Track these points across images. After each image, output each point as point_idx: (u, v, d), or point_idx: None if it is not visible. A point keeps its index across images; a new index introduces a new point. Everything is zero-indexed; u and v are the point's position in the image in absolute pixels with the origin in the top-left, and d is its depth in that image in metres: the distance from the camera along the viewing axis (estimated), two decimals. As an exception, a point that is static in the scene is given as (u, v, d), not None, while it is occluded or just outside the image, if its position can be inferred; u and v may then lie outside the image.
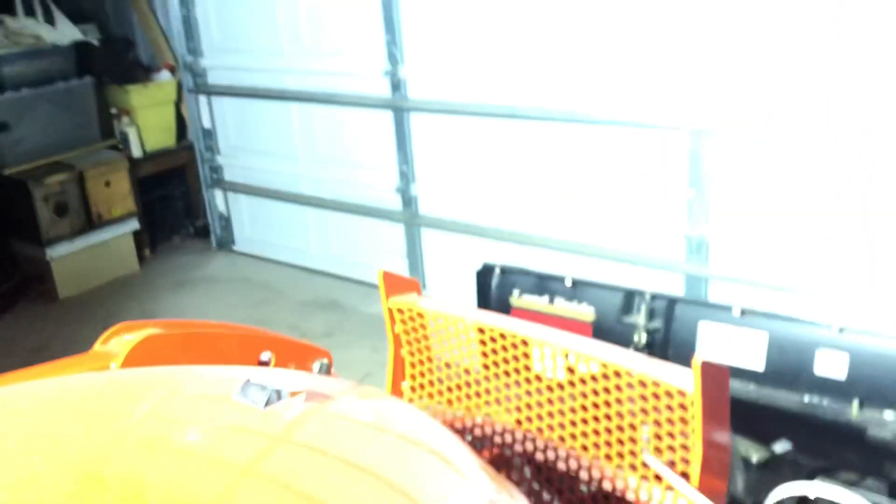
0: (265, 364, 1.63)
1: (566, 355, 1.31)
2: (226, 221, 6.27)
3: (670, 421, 1.20)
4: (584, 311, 2.88)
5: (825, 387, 2.49)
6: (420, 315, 1.51)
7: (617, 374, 1.26)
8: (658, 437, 1.23)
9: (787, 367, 2.59)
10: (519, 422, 1.43)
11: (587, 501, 1.36)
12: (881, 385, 2.42)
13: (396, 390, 1.59)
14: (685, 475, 1.21)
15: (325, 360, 1.71)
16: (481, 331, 1.42)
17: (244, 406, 0.94)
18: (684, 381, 1.16)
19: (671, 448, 1.22)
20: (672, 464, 1.22)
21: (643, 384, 1.22)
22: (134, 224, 5.95)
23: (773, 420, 2.68)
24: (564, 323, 2.97)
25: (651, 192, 3.84)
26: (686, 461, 1.20)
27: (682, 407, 1.17)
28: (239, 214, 6.20)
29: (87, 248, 5.66)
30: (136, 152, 6.10)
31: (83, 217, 5.63)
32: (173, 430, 0.91)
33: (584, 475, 1.35)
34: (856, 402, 2.43)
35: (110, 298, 5.55)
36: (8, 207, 5.47)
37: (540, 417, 1.39)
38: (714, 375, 1.15)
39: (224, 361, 1.61)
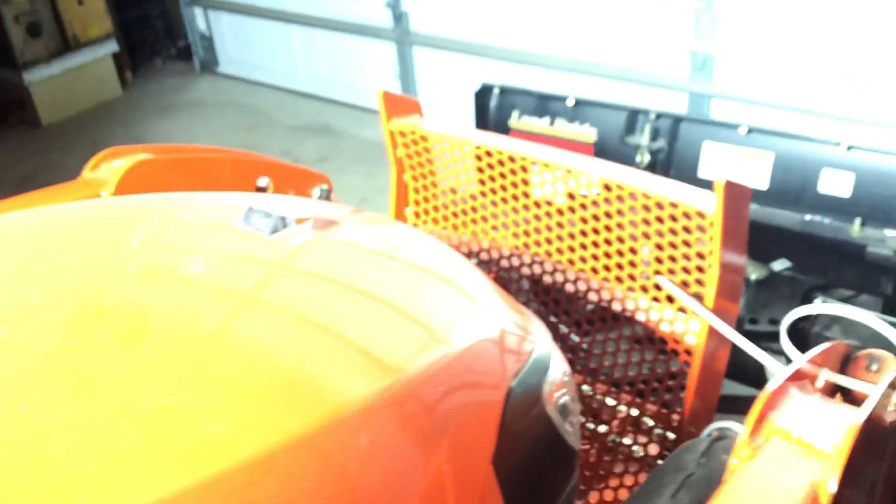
0: (263, 190, 1.58)
1: (579, 178, 1.25)
2: (208, 42, 5.99)
3: (686, 243, 1.17)
4: (586, 133, 2.80)
5: (828, 205, 2.47)
6: (423, 138, 1.43)
7: (632, 195, 1.21)
8: (672, 258, 1.20)
9: (791, 186, 2.55)
10: (527, 245, 1.40)
11: (595, 322, 1.36)
12: (885, 204, 2.39)
13: (400, 216, 1.54)
14: (698, 297, 1.19)
15: (325, 186, 1.66)
16: (489, 154, 1.35)
17: (248, 234, 0.89)
18: (705, 201, 1.11)
19: (686, 270, 1.19)
20: (685, 285, 1.20)
21: (660, 206, 1.18)
22: (112, 45, 5.68)
23: (773, 239, 2.67)
24: (565, 144, 2.90)
25: (656, 4, 3.63)
26: (700, 283, 1.18)
27: (700, 228, 1.13)
28: (221, 34, 5.91)
29: (66, 72, 5.43)
30: (107, -33, 5.71)
31: (58, 38, 5.36)
32: (175, 260, 0.86)
33: (591, 297, 1.33)
34: (858, 220, 2.42)
35: (94, 124, 5.41)
36: (-24, 29, 5.19)
37: (549, 241, 1.36)
38: (736, 196, 1.10)
39: (219, 188, 1.56)
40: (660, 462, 1.30)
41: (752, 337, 1.30)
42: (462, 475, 0.75)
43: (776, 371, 0.95)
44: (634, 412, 1.36)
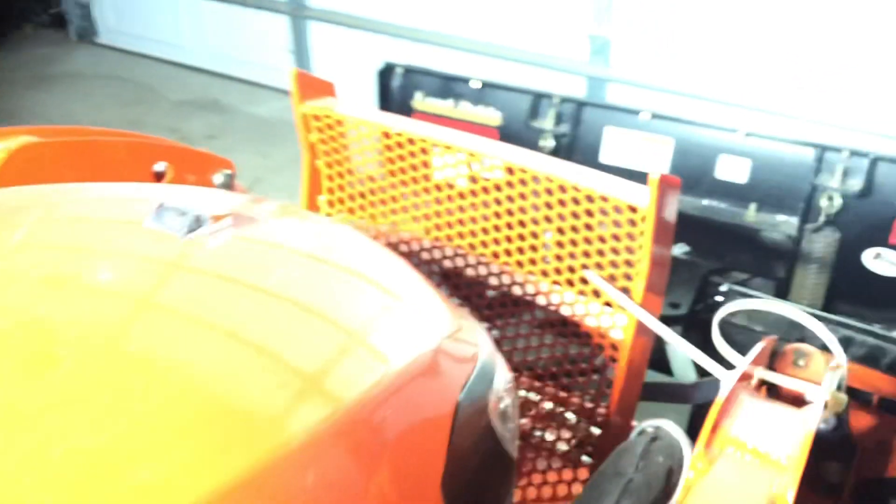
0: (160, 176, 1.46)
1: (508, 169, 1.20)
2: (85, 9, 5.61)
3: (616, 237, 1.14)
4: (491, 116, 2.77)
5: (725, 190, 2.54)
6: (338, 122, 1.35)
7: (561, 188, 1.17)
8: (600, 252, 1.17)
9: (690, 172, 2.60)
10: (449, 237, 1.34)
11: (515, 314, 1.33)
12: (779, 189, 2.47)
13: (312, 204, 1.45)
14: (625, 290, 1.17)
15: (229, 172, 1.55)
16: (411, 141, 1.28)
17: (160, 234, 0.79)
18: (637, 195, 1.09)
19: (613, 263, 1.17)
20: (612, 279, 1.18)
21: (589, 198, 1.15)
22: (-25, 10, 5.23)
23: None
24: (470, 127, 2.86)
25: (556, -12, 3.64)
26: (628, 276, 1.16)
27: (631, 222, 1.11)
28: (100, 1, 5.54)
29: (-78, 38, 4.97)
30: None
31: (-89, 0, 4.89)
32: (77, 268, 0.74)
33: (515, 291, 1.29)
34: (753, 206, 2.49)
35: (-44, 96, 4.97)
36: None
37: (472, 234, 1.31)
38: (668, 190, 1.08)
39: (114, 175, 1.43)
40: (584, 458, 1.29)
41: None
42: (411, 504, 0.69)
43: (719, 375, 0.94)
44: (555, 407, 1.34)
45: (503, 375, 0.90)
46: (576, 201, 1.16)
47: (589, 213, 1.15)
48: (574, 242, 1.19)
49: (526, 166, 1.17)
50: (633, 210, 1.09)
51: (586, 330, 1.24)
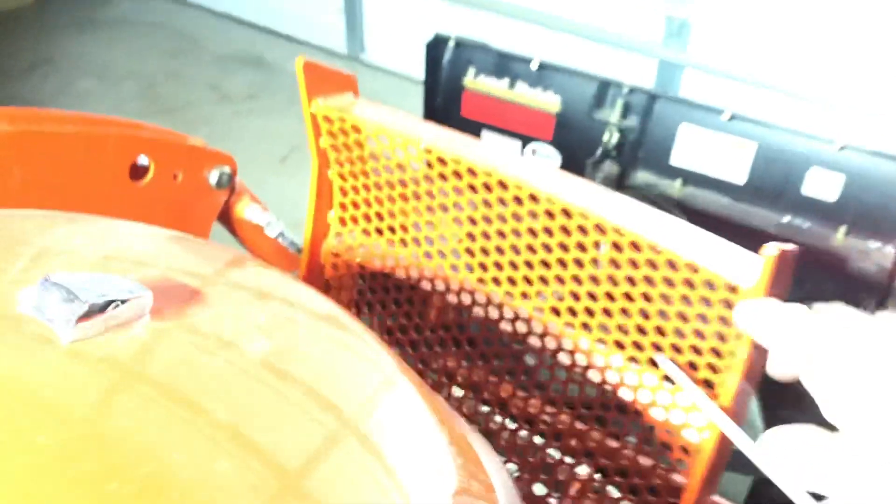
0: (142, 171, 1.21)
1: (564, 211, 0.92)
2: (133, -48, 5.38)
3: (703, 317, 0.86)
4: (550, 101, 2.47)
5: (811, 208, 2.22)
6: (356, 128, 1.07)
7: (634, 246, 0.88)
8: (679, 333, 0.89)
9: (772, 183, 2.29)
10: (482, 280, 1.07)
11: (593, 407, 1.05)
12: (874, 212, 2.14)
13: (320, 221, 1.19)
14: (708, 384, 0.89)
15: (227, 169, 1.30)
16: (442, 161, 1.00)
17: (34, 328, 0.53)
18: (739, 272, 0.80)
19: (696, 349, 0.88)
20: (692, 367, 0.90)
21: (672, 265, 0.86)
22: (22, -54, 5.04)
23: (745, 239, 2.38)
24: (525, 112, 2.57)
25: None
26: (713, 368, 0.87)
27: (726, 303, 0.82)
28: (149, -56, 5.31)
29: (-35, -27, 4.80)
30: None
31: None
32: None
33: (590, 373, 1.02)
34: (842, 229, 2.16)
35: (-2, 35, 4.81)
36: None
37: (525, 296, 1.03)
38: (785, 269, 0.79)
39: (85, 171, 1.19)
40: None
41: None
42: None
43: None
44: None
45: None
46: (653, 265, 0.87)
47: (669, 283, 0.86)
48: (645, 315, 0.90)
49: (589, 212, 0.89)
50: (733, 290, 0.80)
51: (650, 421, 0.96)
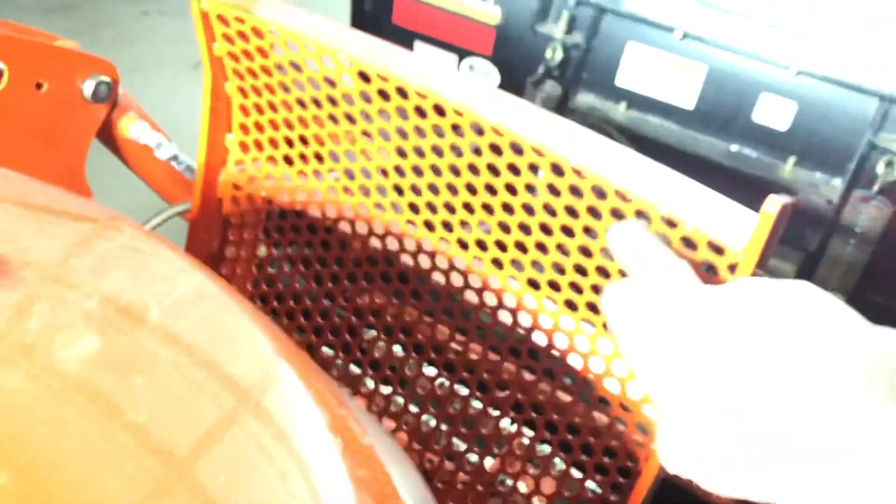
0: (-1, 78, 0.99)
1: (520, 148, 0.75)
2: None
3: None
4: (489, 12, 2.26)
5: (760, 137, 2.13)
6: (257, 32, 0.87)
7: (600, 193, 0.72)
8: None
9: (721, 109, 2.18)
10: (411, 222, 0.90)
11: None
12: (826, 144, 2.06)
13: (216, 146, 0.99)
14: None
15: (106, 79, 1.08)
16: (366, 78, 0.81)
17: None
18: (726, 231, 0.65)
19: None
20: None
21: (642, 215, 0.71)
22: None
23: (692, 167, 2.26)
24: (461, 23, 2.36)
25: None
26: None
27: (711, 267, 0.68)
28: None
29: None
30: None
31: None
32: None
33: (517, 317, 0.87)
34: (791, 159, 2.08)
35: None
36: None
37: (447, 226, 0.87)
38: (780, 229, 0.64)
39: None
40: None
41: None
42: None
43: None
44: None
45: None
46: (618, 216, 0.72)
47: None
48: (604, 273, 0.75)
49: (547, 149, 0.72)
50: (718, 250, 0.65)
51: (604, 395, 0.83)
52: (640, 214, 0.70)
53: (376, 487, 0.46)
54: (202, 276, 0.52)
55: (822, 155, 2.03)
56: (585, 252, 0.76)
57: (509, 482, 0.97)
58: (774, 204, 0.60)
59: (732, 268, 0.64)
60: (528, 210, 0.79)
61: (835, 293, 1.25)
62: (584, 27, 2.20)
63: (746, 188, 2.08)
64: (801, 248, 2.12)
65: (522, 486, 0.98)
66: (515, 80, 2.29)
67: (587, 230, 0.75)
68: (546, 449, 0.96)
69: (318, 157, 0.93)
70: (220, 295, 0.53)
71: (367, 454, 0.48)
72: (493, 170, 0.79)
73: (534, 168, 0.76)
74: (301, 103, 0.91)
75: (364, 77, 0.81)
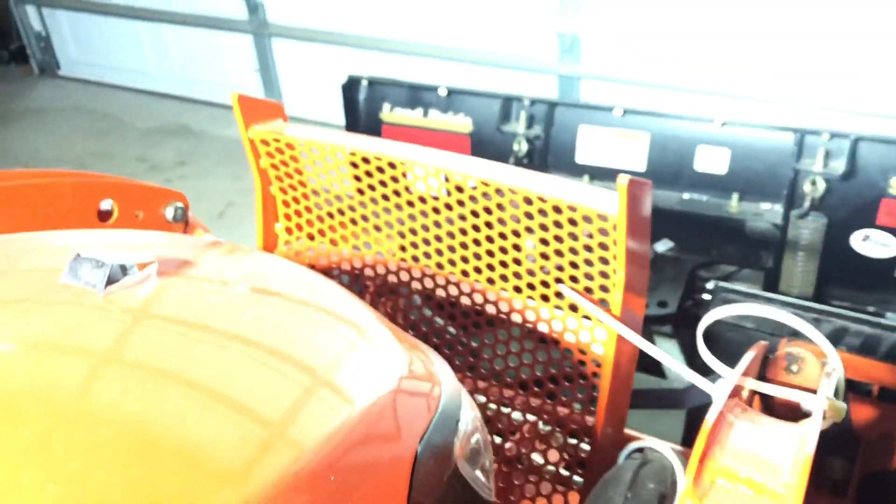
0: (107, 214, 1.38)
1: (482, 182, 1.13)
2: (46, 42, 5.51)
3: (588, 247, 1.07)
4: (461, 123, 2.70)
5: (706, 182, 2.48)
6: (289, 146, 1.27)
7: (527, 200, 1.10)
8: (573, 264, 1.10)
9: (668, 166, 2.55)
10: (415, 258, 1.27)
11: (493, 329, 1.25)
12: (760, 177, 2.42)
13: (269, 233, 1.37)
14: (603, 302, 1.10)
15: (180, 205, 1.47)
16: (365, 160, 1.20)
17: (76, 291, 0.71)
18: (606, 202, 1.02)
19: (588, 276, 1.10)
20: (588, 291, 1.11)
21: (557, 209, 1.07)
22: (-67, 51, 5.12)
23: (654, 220, 2.65)
24: (441, 136, 2.79)
25: (520, -13, 3.57)
26: (604, 288, 1.09)
27: (602, 231, 1.04)
28: (60, 33, 5.44)
29: None
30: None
31: None
32: None
33: (491, 310, 1.22)
34: (735, 196, 2.43)
35: (-81, 139, 4.86)
36: None
37: (439, 252, 1.23)
38: (639, 193, 1.01)
39: (58, 216, 1.35)
40: (576, 479, 1.21)
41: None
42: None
43: (703, 387, 0.86)
44: (540, 423, 1.26)
45: (469, 414, 0.82)
46: (543, 213, 1.09)
47: (558, 225, 1.08)
48: (546, 256, 1.11)
49: (490, 179, 1.10)
50: (604, 218, 1.01)
51: (566, 346, 1.17)
52: (557, 209, 1.07)
53: (420, 362, 0.79)
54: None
55: (760, 187, 2.38)
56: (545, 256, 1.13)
57: (525, 455, 1.28)
58: (625, 178, 0.97)
59: (614, 227, 1.01)
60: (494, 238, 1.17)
61: (799, 297, 1.54)
62: (541, 120, 2.62)
63: (701, 227, 2.44)
64: (761, 267, 2.45)
65: (536, 458, 1.30)
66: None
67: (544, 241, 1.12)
68: (546, 428, 1.28)
69: (343, 226, 1.31)
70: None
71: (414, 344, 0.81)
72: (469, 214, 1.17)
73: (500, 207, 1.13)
74: (324, 191, 1.29)
75: (365, 160, 1.20)
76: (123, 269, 0.73)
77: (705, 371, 1.01)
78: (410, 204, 1.23)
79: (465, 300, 1.25)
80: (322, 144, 1.24)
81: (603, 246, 1.06)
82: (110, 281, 0.72)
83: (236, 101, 1.23)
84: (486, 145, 2.71)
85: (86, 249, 0.73)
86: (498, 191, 1.12)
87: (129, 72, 5.24)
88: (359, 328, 0.81)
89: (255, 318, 0.76)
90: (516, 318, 1.20)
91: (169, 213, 1.46)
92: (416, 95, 2.80)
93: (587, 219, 1.04)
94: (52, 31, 5.45)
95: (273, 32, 4.51)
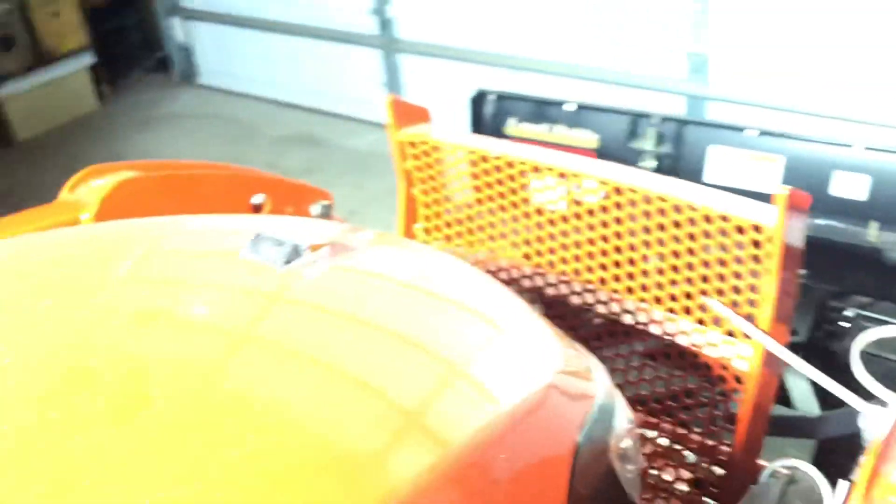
0: (258, 208, 1.46)
1: (615, 189, 1.13)
2: (187, 53, 5.85)
3: (738, 259, 1.05)
4: (588, 138, 2.69)
5: (842, 209, 2.38)
6: (435, 149, 1.31)
7: (676, 208, 1.09)
8: (721, 277, 1.08)
9: (803, 190, 2.45)
10: (552, 263, 1.28)
11: (604, 336, 1.24)
12: (903, 207, 2.29)
13: (408, 233, 1.42)
14: (749, 318, 1.08)
15: (327, 203, 1.54)
16: (509, 165, 1.23)
17: (257, 266, 0.76)
18: (763, 214, 1.00)
19: (736, 289, 1.08)
20: (734, 305, 1.09)
21: (708, 219, 1.06)
22: (88, 58, 5.52)
23: (785, 245, 2.56)
24: (566, 150, 2.78)
25: (651, 5, 3.54)
26: (752, 303, 1.07)
27: (755, 243, 1.02)
28: (201, 45, 5.77)
29: (41, 86, 5.26)
30: (82, -22, 5.56)
31: (32, 51, 5.19)
32: (172, 304, 0.72)
33: (633, 320, 1.21)
34: (874, 224, 2.32)
35: (72, 140, 5.24)
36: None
37: (577, 258, 1.24)
38: (797, 206, 0.98)
39: (212, 207, 1.44)
40: (706, 500, 1.19)
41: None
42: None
43: (863, 409, 0.83)
44: (672, 444, 1.24)
45: (624, 413, 0.83)
46: (692, 222, 1.08)
47: (707, 235, 1.07)
48: (690, 267, 1.10)
49: (634, 185, 1.10)
50: (758, 230, 1.00)
51: (706, 361, 1.15)
52: (707, 219, 1.06)
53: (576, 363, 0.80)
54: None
55: (904, 217, 2.27)
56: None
57: (655, 473, 1.27)
58: (783, 190, 0.95)
59: (769, 239, 0.99)
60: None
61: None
62: (670, 138, 2.59)
63: (835, 255, 2.34)
64: (900, 301, 2.32)
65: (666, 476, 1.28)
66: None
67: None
68: (678, 446, 1.27)
69: (481, 229, 1.34)
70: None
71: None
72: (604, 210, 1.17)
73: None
74: (464, 193, 1.33)
75: (509, 165, 1.22)
76: (297, 250, 0.77)
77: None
78: (538, 213, 1.25)
79: (600, 308, 1.25)
80: (465, 147, 1.27)
81: (755, 259, 1.04)
82: (288, 260, 0.76)
83: (391, 103, 1.28)
84: (613, 161, 2.69)
85: (266, 230, 0.78)
86: (630, 201, 1.11)
87: (262, 82, 5.49)
88: (517, 320, 0.83)
89: (417, 308, 0.79)
90: (655, 329, 1.19)
91: (315, 209, 1.52)
92: (543, 110, 2.81)
93: (739, 229, 1.03)
94: (194, 43, 5.78)
95: (402, 48, 4.63)
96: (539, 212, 1.25)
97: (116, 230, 0.93)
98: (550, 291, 1.29)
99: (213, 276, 0.77)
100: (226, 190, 1.42)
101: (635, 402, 1.27)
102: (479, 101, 2.91)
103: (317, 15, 4.90)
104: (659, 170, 2.59)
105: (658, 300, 1.18)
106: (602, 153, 2.68)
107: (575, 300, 1.27)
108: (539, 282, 1.30)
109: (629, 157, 2.63)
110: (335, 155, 4.74)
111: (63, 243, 0.87)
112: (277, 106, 5.42)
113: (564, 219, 1.23)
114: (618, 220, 1.16)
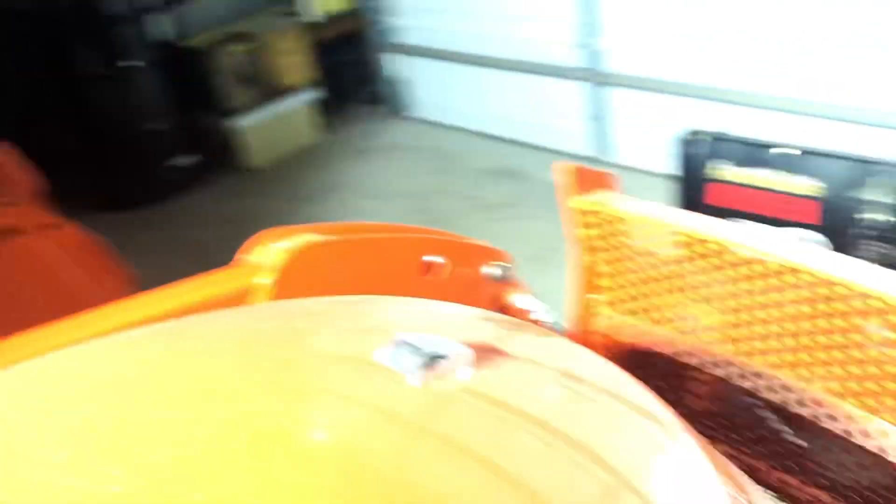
0: (430, 267, 1.42)
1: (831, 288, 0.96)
2: (401, 87, 6.08)
3: None
4: (808, 185, 2.43)
5: None
6: (614, 219, 1.20)
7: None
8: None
9: None
10: (749, 353, 1.12)
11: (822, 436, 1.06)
12: None
13: (584, 304, 1.31)
14: None
15: (506, 265, 1.46)
16: (702, 241, 1.09)
17: (387, 372, 0.70)
18: None
19: None
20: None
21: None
22: (314, 93, 5.89)
23: None
24: (783, 199, 2.54)
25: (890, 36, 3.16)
26: None
27: None
28: (413, 78, 5.98)
29: (269, 119, 5.68)
30: (313, 16, 5.96)
31: (264, 86, 5.63)
32: (294, 420, 0.67)
33: (844, 429, 1.03)
34: None
35: (295, 169, 5.60)
36: (189, 78, 5.49)
37: (780, 355, 1.07)
38: None
39: (390, 269, 1.42)
40: None
41: None
42: None
43: None
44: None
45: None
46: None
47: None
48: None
49: (852, 284, 0.93)
50: None
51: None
52: None
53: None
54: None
55: None
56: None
57: None
58: None
59: None
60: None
61: None
62: (908, 189, 2.27)
63: None
64: None
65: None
66: (843, 246, 2.39)
67: None
68: None
69: (665, 308, 1.21)
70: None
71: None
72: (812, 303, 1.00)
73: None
74: (649, 268, 1.20)
75: (700, 243, 1.09)
76: (435, 359, 0.71)
77: None
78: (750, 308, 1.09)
79: (804, 411, 1.07)
80: (652, 222, 1.14)
81: None
82: (423, 368, 0.70)
83: (559, 172, 1.19)
84: (837, 213, 2.41)
85: (405, 332, 0.72)
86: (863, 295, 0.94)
87: (467, 114, 5.58)
88: (690, 457, 0.70)
89: (566, 424, 0.69)
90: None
91: (493, 271, 1.46)
92: (759, 153, 2.59)
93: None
94: (407, 76, 5.99)
95: (610, 81, 4.50)
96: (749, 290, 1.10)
97: (258, 314, 0.91)
98: (772, 396, 1.12)
99: (334, 378, 0.71)
100: (404, 252, 1.39)
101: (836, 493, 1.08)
102: (689, 141, 2.73)
103: (526, 49, 4.90)
104: (894, 227, 2.29)
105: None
106: (827, 204, 2.41)
107: (773, 398, 1.10)
108: (734, 371, 1.15)
109: (857, 208, 2.35)
110: (537, 188, 4.68)
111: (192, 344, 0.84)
112: (482, 138, 5.48)
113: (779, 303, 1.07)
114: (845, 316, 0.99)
